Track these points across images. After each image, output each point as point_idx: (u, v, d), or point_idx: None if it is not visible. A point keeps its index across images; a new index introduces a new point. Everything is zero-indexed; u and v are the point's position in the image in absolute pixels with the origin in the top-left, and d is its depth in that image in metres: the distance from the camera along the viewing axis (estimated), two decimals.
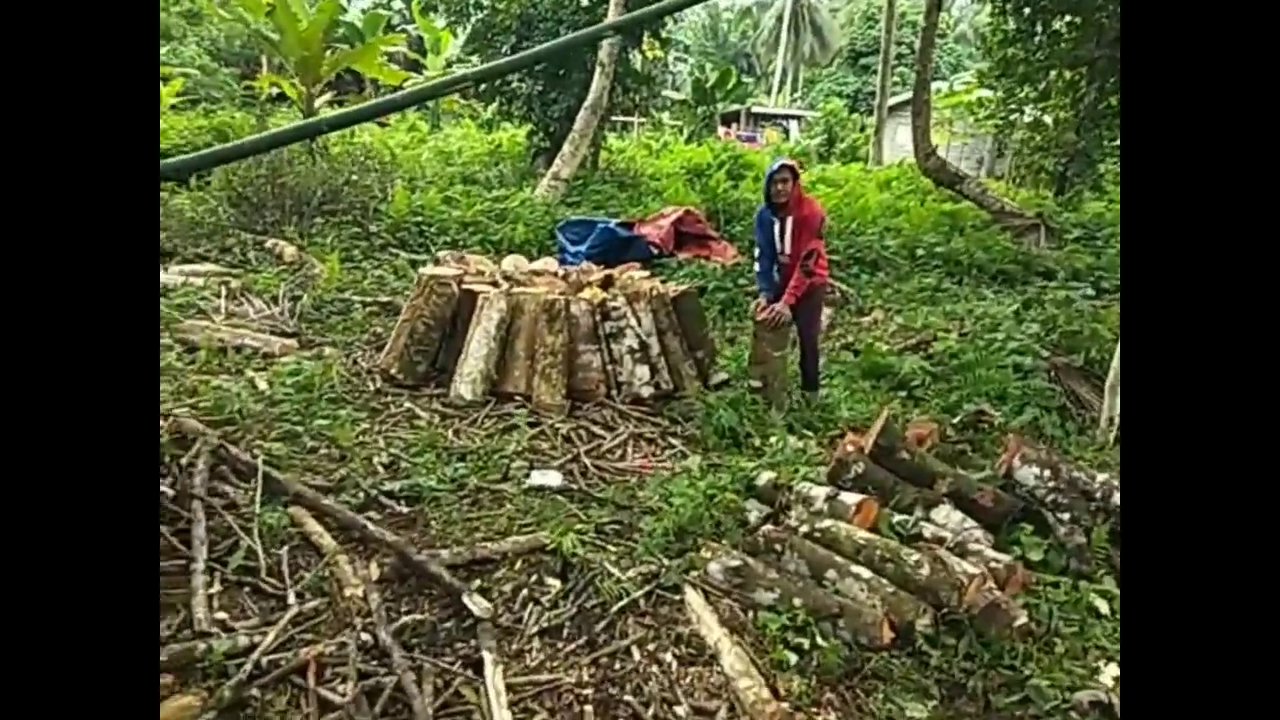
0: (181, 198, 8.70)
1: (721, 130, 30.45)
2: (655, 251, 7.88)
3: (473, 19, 14.72)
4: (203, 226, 7.70)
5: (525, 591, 2.79)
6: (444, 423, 4.21)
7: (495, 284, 4.96)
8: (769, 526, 3.14)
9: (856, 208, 13.13)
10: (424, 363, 4.64)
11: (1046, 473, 3.31)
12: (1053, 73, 14.52)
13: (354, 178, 8.62)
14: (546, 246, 8.62)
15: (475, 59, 15.00)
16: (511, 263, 5.77)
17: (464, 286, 4.74)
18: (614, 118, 23.56)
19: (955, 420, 4.70)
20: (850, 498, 3.22)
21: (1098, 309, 5.85)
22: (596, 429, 4.29)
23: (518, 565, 2.93)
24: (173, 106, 15.65)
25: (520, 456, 3.85)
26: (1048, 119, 15.06)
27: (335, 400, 4.24)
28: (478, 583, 2.77)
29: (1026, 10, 13.79)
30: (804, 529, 3.03)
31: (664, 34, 14.70)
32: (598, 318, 4.71)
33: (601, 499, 3.51)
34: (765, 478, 3.64)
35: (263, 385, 4.33)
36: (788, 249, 4.52)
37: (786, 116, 37.44)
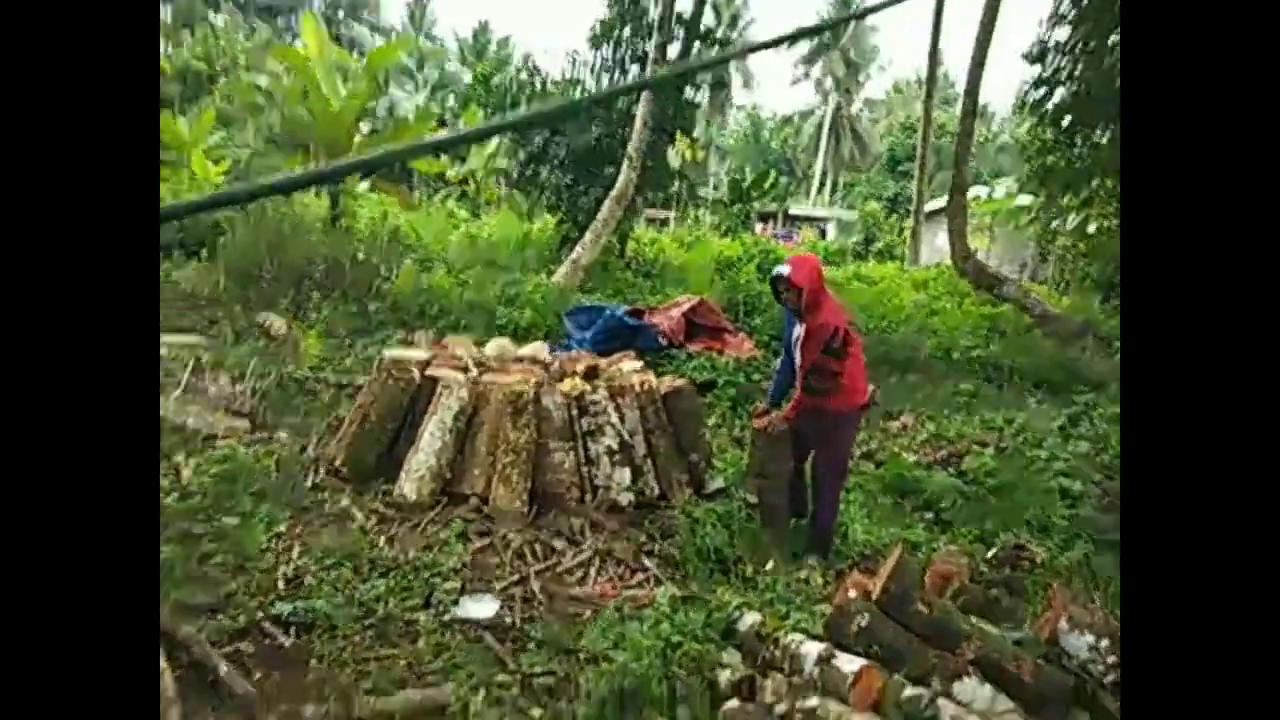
0: (186, 269, 8.56)
1: (759, 228, 30.58)
2: (664, 342, 7.36)
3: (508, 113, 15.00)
4: (198, 298, 7.46)
5: None
6: (379, 527, 3.61)
7: (465, 370, 4.45)
8: (734, 704, 2.42)
9: (890, 306, 12.57)
10: (373, 456, 4.09)
11: (1104, 643, 2.56)
12: (1095, 180, 14.15)
13: (361, 255, 8.37)
14: (554, 332, 8.19)
15: (517, 152, 15.19)
16: (496, 347, 5.29)
17: (426, 373, 4.24)
18: (649, 210, 23.86)
19: (990, 554, 3.94)
20: (848, 662, 2.50)
21: None
22: (558, 542, 3.64)
23: None
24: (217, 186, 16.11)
25: (456, 575, 3.21)
26: (1091, 226, 14.55)
27: (259, 495, 3.68)
28: None
29: (1065, 121, 13.56)
30: (781, 708, 2.31)
31: (695, 134, 14.72)
32: (573, 412, 4.14)
33: (539, 639, 2.84)
34: (749, 621, 2.93)
35: (186, 473, 3.81)
36: (796, 356, 3.93)
37: (824, 218, 37.66)
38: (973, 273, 12.86)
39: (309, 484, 3.95)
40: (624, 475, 4.11)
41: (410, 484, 3.80)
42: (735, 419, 6.35)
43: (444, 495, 3.92)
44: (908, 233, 26.67)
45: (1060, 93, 13.57)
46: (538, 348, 5.42)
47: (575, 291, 9.97)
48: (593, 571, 3.46)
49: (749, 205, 28.67)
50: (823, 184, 48.65)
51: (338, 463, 4.11)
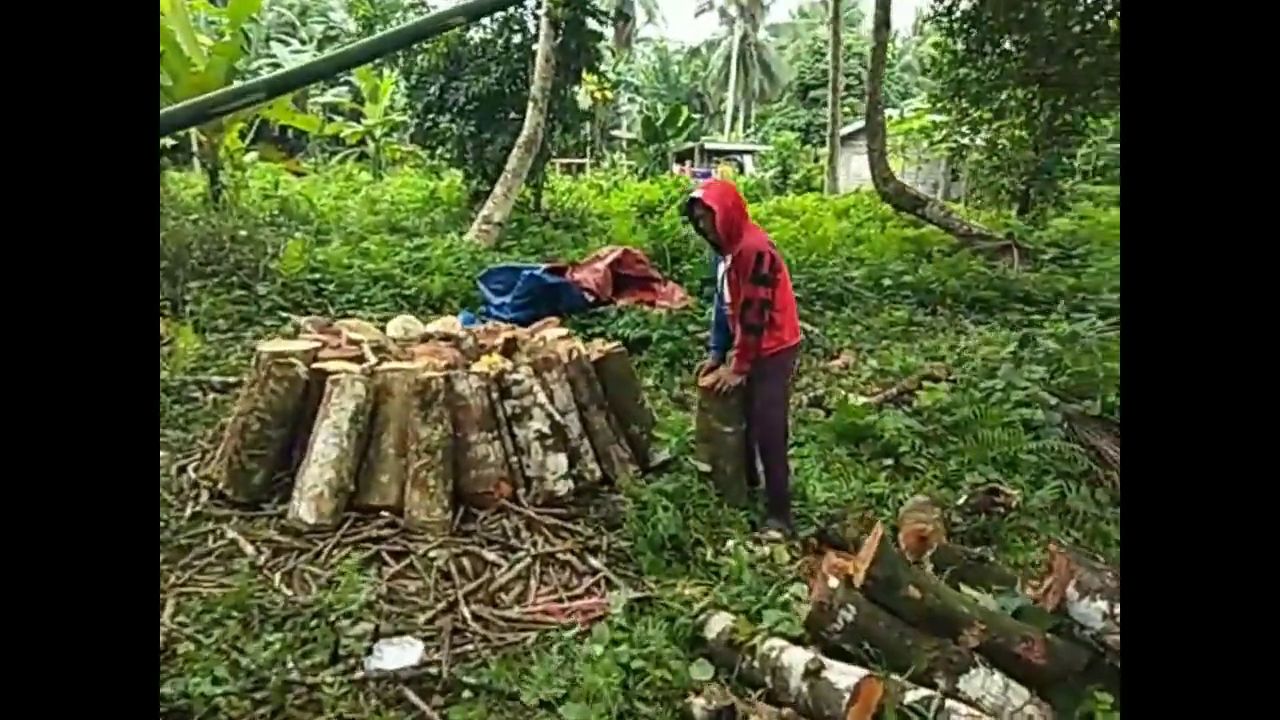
0: None
1: (675, 168, 29.93)
2: (591, 299, 6.83)
3: (400, 62, 13.82)
4: None
5: None
6: (273, 561, 3.04)
7: (359, 359, 3.84)
8: None
9: (815, 238, 12.29)
10: (260, 473, 3.48)
11: (1119, 608, 2.26)
12: (1005, 92, 14.10)
13: (243, 232, 7.46)
14: (471, 299, 7.55)
15: (414, 103, 14.02)
16: (398, 327, 4.66)
17: (315, 366, 3.62)
18: (563, 159, 22.91)
19: (961, 502, 3.66)
20: (842, 675, 2.14)
21: (1108, 343, 4.90)
22: (490, 553, 3.15)
23: None
24: None
25: (368, 613, 2.70)
26: (1004, 139, 14.56)
27: None
28: None
29: (974, 32, 13.37)
30: None
31: (602, 69, 13.89)
32: (494, 396, 3.61)
33: (476, 685, 2.37)
34: (719, 626, 2.54)
35: None
36: (726, 296, 3.51)
37: (740, 152, 37.19)
38: (894, 195, 12.67)
39: (188, 514, 3.32)
40: (559, 461, 3.63)
41: (306, 504, 3.22)
42: (673, 377, 5.93)
43: (351, 511, 3.37)
44: (824, 161, 26.58)
45: (965, 3, 13.36)
46: (448, 322, 4.82)
47: (491, 251, 9.28)
48: (533, 583, 3.00)
49: (665, 145, 27.92)
50: (735, 118, 48.06)
51: (220, 484, 3.49)
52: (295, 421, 3.60)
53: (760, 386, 3.44)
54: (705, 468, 3.58)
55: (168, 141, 12.52)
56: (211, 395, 4.76)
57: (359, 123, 22.65)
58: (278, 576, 2.92)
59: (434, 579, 2.96)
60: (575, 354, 4.00)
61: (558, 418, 3.69)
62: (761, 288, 3.27)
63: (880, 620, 2.34)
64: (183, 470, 3.72)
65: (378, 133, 22.33)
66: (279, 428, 3.52)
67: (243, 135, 11.88)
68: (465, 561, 3.07)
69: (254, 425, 3.48)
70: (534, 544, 3.23)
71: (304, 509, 3.22)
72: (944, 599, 2.38)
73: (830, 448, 4.44)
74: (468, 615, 2.75)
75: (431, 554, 3.08)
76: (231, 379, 5.05)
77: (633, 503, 3.47)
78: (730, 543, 3.35)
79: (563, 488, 3.61)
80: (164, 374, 4.79)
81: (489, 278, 7.11)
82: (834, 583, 2.41)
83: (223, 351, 5.64)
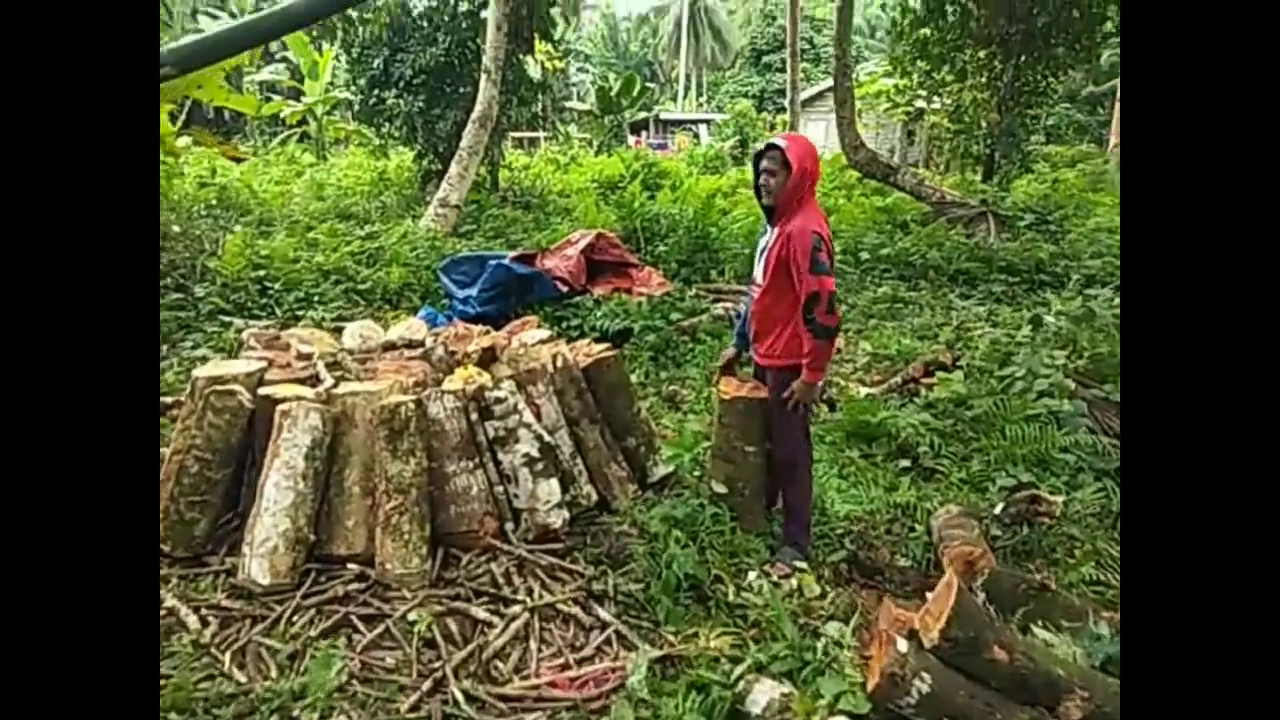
0: None
1: (631, 139, 29.22)
2: (564, 289, 6.34)
3: (340, 35, 12.91)
4: None
5: None
6: (222, 635, 2.55)
7: (315, 380, 3.32)
8: None
9: None
10: (202, 521, 2.96)
11: None
12: (966, 53, 13.85)
13: (174, 228, 6.75)
14: (431, 292, 6.99)
15: (357, 78, 13.14)
16: (357, 333, 4.13)
17: (261, 393, 3.09)
18: (515, 133, 22.07)
19: (998, 511, 3.32)
20: None
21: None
22: (479, 609, 2.70)
23: None
24: None
25: (340, 699, 2.24)
26: (966, 100, 14.32)
27: None
28: None
29: None
30: None
31: (555, 35, 13.19)
32: (473, 417, 3.14)
33: None
34: (764, 698, 2.15)
35: None
36: (758, 276, 3.02)
37: (695, 121, 36.55)
38: (865, 164, 12.33)
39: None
40: (551, 488, 3.19)
41: (258, 561, 2.72)
42: (659, 372, 5.50)
43: (313, 562, 2.89)
44: (782, 128, 26.14)
45: None
46: (412, 326, 4.29)
47: (449, 238, 8.68)
48: (533, 645, 2.57)
49: (620, 116, 27.17)
50: (688, 86, 47.25)
51: (162, 534, 2.96)
52: (240, 459, 3.09)
53: (779, 402, 3.01)
54: (721, 489, 3.17)
55: None
56: None
57: (299, 101, 21.45)
58: (228, 656, 2.44)
59: (415, 648, 2.51)
60: (562, 361, 3.54)
61: (547, 437, 3.24)
62: (827, 278, 2.72)
63: (961, 690, 1.98)
64: None
65: (319, 111, 21.19)
66: (222, 468, 3.00)
67: (173, 118, 10.95)
68: (451, 623, 2.62)
69: (192, 467, 2.95)
70: (529, 593, 2.80)
71: (256, 568, 2.72)
72: (1037, 661, 2.02)
73: (841, 449, 4.08)
74: (459, 695, 2.31)
75: (410, 615, 2.62)
76: (168, 399, 4.46)
77: (641, 537, 3.06)
78: (751, 575, 2.96)
79: (557, 519, 3.17)
80: None
81: (452, 268, 6.55)
82: (903, 647, 2.03)
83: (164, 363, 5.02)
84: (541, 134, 27.14)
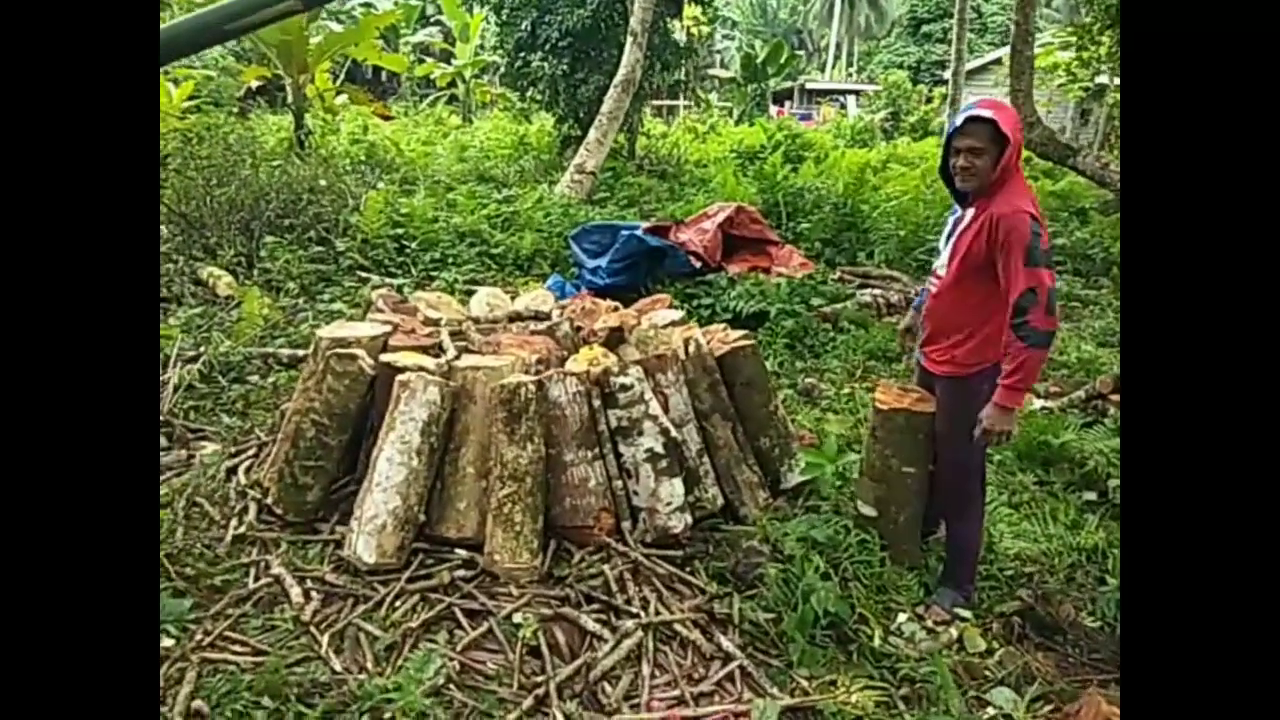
0: None
1: (774, 109, 28.18)
2: (697, 264, 5.98)
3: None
4: None
5: None
6: (323, 613, 2.44)
7: (438, 349, 3.16)
8: None
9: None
10: (315, 487, 2.87)
11: None
12: None
13: (321, 182, 6.93)
14: (562, 259, 6.83)
15: (505, 40, 13.22)
16: (484, 300, 3.97)
17: (383, 359, 2.95)
18: (655, 101, 21.74)
19: None
20: None
21: None
22: (588, 618, 2.44)
23: None
24: (184, 112, 14.38)
25: (435, 709, 2.05)
26: None
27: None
28: None
29: None
30: None
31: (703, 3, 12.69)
32: (595, 403, 2.87)
33: None
34: None
35: None
36: (943, 262, 2.52)
37: (843, 91, 34.81)
38: (1041, 143, 11.04)
39: (229, 537, 2.76)
40: (674, 488, 2.88)
41: (365, 538, 2.59)
42: (795, 362, 5.06)
43: (422, 542, 2.73)
44: (940, 101, 24.32)
45: None
46: (539, 296, 4.09)
47: (583, 204, 8.50)
48: (645, 669, 2.28)
49: (764, 84, 26.16)
50: (838, 55, 45.07)
51: (270, 499, 2.91)
52: (359, 425, 2.97)
53: (951, 418, 2.54)
54: (869, 512, 2.75)
55: (254, 83, 12.20)
56: (277, 374, 4.22)
57: (449, 64, 22.05)
58: (326, 639, 2.31)
59: (519, 654, 2.28)
60: (695, 347, 3.20)
61: (673, 431, 2.92)
62: (1046, 272, 2.20)
63: None
64: (232, 474, 3.17)
65: (467, 74, 21.69)
66: (339, 433, 2.89)
67: (334, 76, 11.43)
68: (558, 631, 2.38)
69: (309, 430, 2.86)
70: (644, 605, 2.51)
71: (362, 545, 2.58)
72: None
73: (1012, 471, 3.52)
74: (562, 717, 2.06)
75: (516, 617, 2.40)
76: (301, 351, 4.51)
77: (770, 551, 2.70)
78: (901, 618, 2.55)
79: (678, 522, 2.87)
80: (225, 346, 4.28)
81: (583, 237, 6.34)
82: None
83: (295, 318, 5.12)
84: (681, 102, 26.65)
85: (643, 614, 2.46)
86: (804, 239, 7.33)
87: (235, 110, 11.39)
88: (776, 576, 2.55)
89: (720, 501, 3.07)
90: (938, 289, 2.52)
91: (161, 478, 3.09)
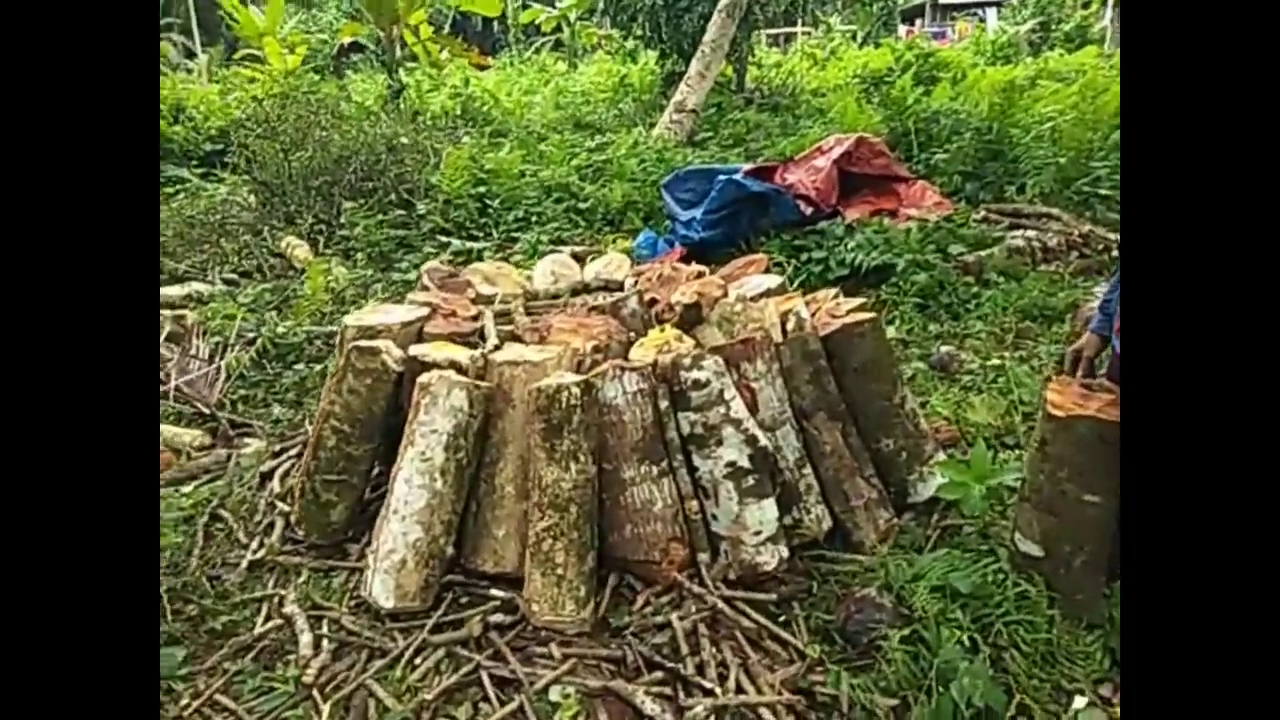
0: (221, 185, 7.22)
1: (903, 29, 25.68)
2: (809, 210, 5.16)
3: None
4: (221, 225, 6.07)
5: None
6: (331, 669, 2.02)
7: (480, 337, 2.65)
8: None
9: (1102, 109, 8.97)
10: (340, 504, 2.46)
11: None
12: None
13: (401, 140, 6.58)
14: (656, 211, 6.17)
15: None
16: (549, 269, 3.42)
17: (413, 353, 2.47)
18: (771, 31, 20.20)
19: None
20: None
21: None
22: (645, 693, 1.89)
23: None
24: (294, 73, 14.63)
25: None
26: None
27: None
28: None
29: None
30: None
31: None
32: (663, 405, 2.27)
33: None
34: None
35: None
36: None
37: (983, 4, 31.25)
38: None
39: (245, 563, 2.41)
40: (764, 512, 2.26)
41: (382, 579, 2.14)
42: (926, 325, 4.20)
43: (455, 573, 2.27)
44: (1099, 4, 21.19)
45: None
46: (612, 261, 3.49)
47: (681, 147, 7.74)
48: None
49: (891, 1, 23.74)
50: None
51: (294, 517, 2.54)
52: (389, 430, 2.53)
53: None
54: (1033, 550, 2.01)
55: (346, 40, 12.09)
56: (334, 360, 3.89)
57: (554, 7, 21.39)
58: (328, 708, 1.89)
59: None
60: (795, 325, 2.52)
61: (763, 439, 2.28)
62: None
63: None
64: (266, 480, 2.83)
65: (572, 16, 20.93)
66: (364, 442, 2.46)
67: (437, 28, 11.13)
68: (604, 715, 1.84)
69: (329, 439, 2.44)
70: (721, 675, 1.93)
71: (379, 586, 2.14)
72: None
73: None
74: None
75: (554, 691, 1.88)
76: None
77: (892, 601, 2.03)
78: (1078, 703, 1.83)
79: (770, 556, 2.25)
80: (286, 325, 3.99)
81: (676, 185, 5.64)
82: None
83: (367, 290, 4.80)
84: (799, 29, 24.75)
85: (718, 690, 1.88)
86: (939, 173, 6.26)
87: (329, 68, 11.31)
88: (901, 644, 1.89)
89: (827, 524, 2.42)
90: None
91: (191, 485, 2.80)
